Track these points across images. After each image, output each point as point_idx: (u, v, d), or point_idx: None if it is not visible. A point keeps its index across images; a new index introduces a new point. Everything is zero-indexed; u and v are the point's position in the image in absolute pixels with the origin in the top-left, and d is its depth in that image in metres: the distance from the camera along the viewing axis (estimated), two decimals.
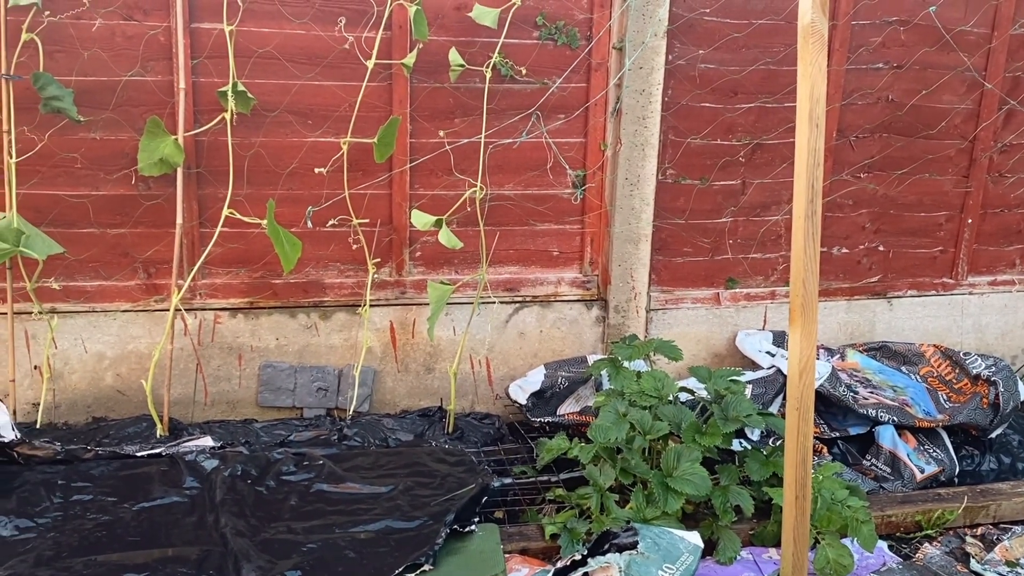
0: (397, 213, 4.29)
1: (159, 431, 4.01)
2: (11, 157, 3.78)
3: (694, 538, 3.01)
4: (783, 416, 3.75)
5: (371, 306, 4.27)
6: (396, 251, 4.35)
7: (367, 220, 4.23)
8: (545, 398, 4.34)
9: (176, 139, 3.82)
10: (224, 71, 3.89)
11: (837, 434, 4.26)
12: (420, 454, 3.87)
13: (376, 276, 4.29)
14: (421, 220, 4.00)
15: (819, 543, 3.32)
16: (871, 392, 4.42)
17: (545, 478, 3.90)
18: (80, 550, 3.14)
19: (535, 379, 4.36)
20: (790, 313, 2.72)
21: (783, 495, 2.91)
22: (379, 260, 4.31)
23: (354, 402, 4.30)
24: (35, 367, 4.09)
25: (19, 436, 3.68)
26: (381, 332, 4.39)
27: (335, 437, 4.08)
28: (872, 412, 4.21)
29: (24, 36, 3.71)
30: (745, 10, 4.39)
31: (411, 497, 3.51)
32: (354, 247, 4.26)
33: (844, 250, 4.86)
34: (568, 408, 4.30)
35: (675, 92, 4.40)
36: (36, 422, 4.05)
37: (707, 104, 4.46)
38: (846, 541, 3.41)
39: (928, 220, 4.97)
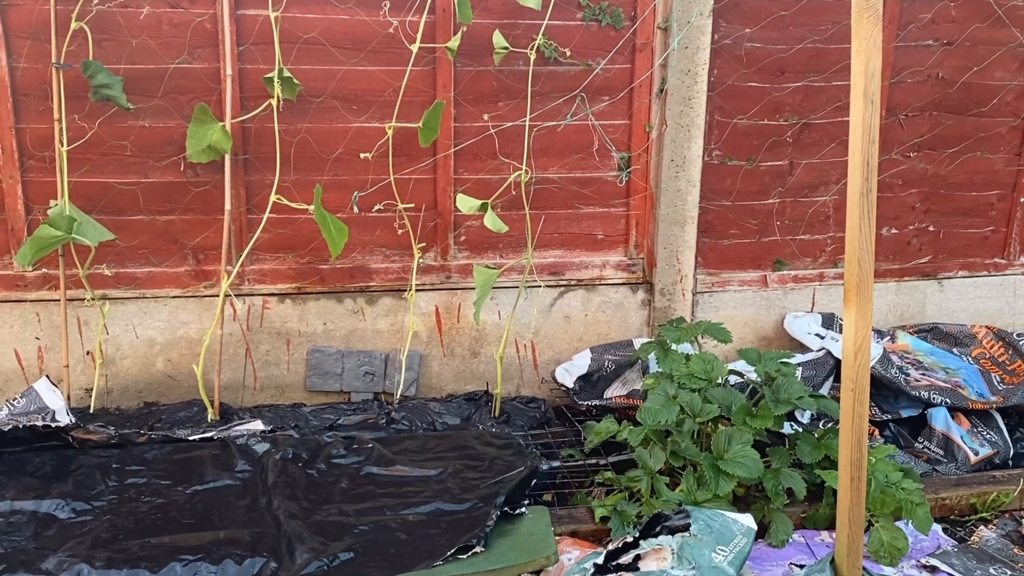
0: (442, 197, 4.29)
1: (210, 415, 4.05)
2: (62, 145, 3.83)
3: (748, 520, 2.99)
4: (834, 398, 3.72)
5: (417, 291, 4.28)
6: (441, 236, 4.35)
7: (412, 205, 4.23)
8: (592, 381, 4.33)
9: (224, 126, 3.84)
10: (270, 57, 3.90)
11: (888, 416, 4.20)
12: (468, 437, 3.88)
13: (421, 261, 4.29)
14: (467, 204, 4.00)
15: (873, 526, 3.29)
16: (923, 374, 4.36)
17: (593, 461, 3.89)
18: (135, 532, 3.18)
19: (581, 363, 4.35)
20: (845, 293, 2.68)
21: (837, 477, 2.88)
22: (424, 245, 4.31)
23: (401, 386, 4.31)
24: (87, 352, 4.15)
25: (74, 420, 3.73)
26: (427, 317, 4.40)
27: (383, 421, 4.10)
28: (924, 394, 4.16)
29: (73, 25, 3.74)
30: None
31: (460, 480, 3.52)
32: (399, 232, 4.27)
33: (894, 230, 4.79)
34: (615, 391, 4.29)
35: (721, 72, 4.35)
36: (89, 407, 4.11)
37: (754, 84, 4.40)
38: (900, 524, 3.37)
39: (979, 199, 4.88)
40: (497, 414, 4.29)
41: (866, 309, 2.67)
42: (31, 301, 4.07)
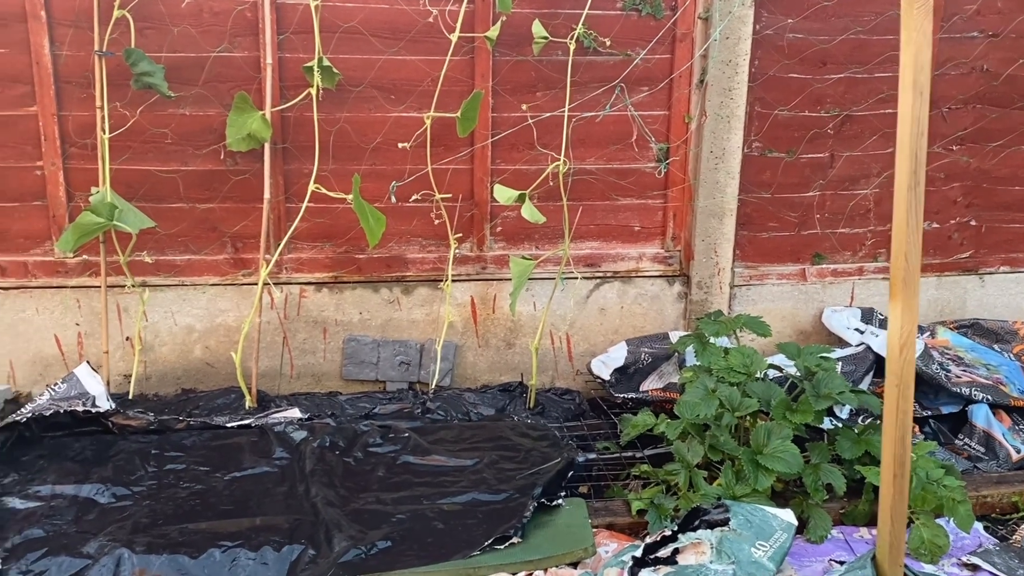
0: (478, 188, 4.28)
1: (247, 403, 4.07)
2: (104, 132, 3.86)
3: (788, 516, 2.96)
4: (874, 394, 3.67)
5: (452, 281, 4.28)
6: (477, 226, 4.35)
7: (449, 195, 4.22)
8: (628, 374, 4.31)
9: (263, 114, 3.85)
10: (309, 46, 3.91)
11: (929, 413, 4.15)
12: (503, 428, 3.88)
13: (457, 251, 4.29)
14: (504, 194, 3.98)
15: (914, 523, 3.25)
16: (964, 370, 4.30)
17: (629, 454, 3.87)
18: (174, 518, 3.20)
19: (618, 355, 4.33)
20: (891, 287, 2.65)
21: (878, 473, 2.85)
22: (460, 235, 4.30)
23: (436, 376, 4.31)
24: (127, 339, 4.18)
25: (114, 406, 3.76)
26: (462, 307, 4.40)
27: (418, 410, 4.11)
28: (965, 391, 4.10)
29: (116, 13, 3.77)
30: None
31: (496, 470, 3.51)
32: (436, 222, 4.26)
33: (935, 225, 4.73)
34: (651, 384, 4.26)
35: (762, 63, 4.30)
36: (128, 393, 4.14)
37: (795, 75, 4.35)
38: (941, 521, 3.33)
39: (1023, 194, 4.80)
40: (532, 405, 4.28)
41: (912, 303, 2.63)
42: (71, 287, 4.11)
